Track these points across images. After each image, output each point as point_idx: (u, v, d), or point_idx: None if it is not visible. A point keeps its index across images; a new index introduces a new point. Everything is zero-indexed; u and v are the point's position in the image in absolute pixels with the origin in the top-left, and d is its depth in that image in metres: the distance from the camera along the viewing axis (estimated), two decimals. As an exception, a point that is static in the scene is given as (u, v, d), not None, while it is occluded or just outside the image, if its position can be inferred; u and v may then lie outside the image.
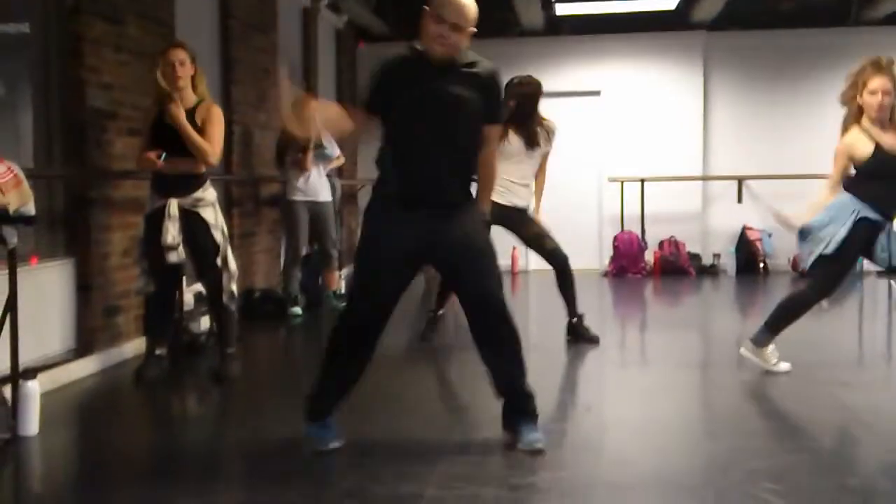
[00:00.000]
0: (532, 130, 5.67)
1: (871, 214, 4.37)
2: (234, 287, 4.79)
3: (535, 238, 5.68)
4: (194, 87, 4.71)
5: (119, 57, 5.09)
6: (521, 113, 5.62)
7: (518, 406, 3.46)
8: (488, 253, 3.42)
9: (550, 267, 5.71)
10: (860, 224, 4.35)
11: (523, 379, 3.47)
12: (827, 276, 4.50)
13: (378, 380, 4.73)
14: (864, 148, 4.37)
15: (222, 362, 4.76)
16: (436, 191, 3.30)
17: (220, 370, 4.73)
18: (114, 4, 5.07)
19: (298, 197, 6.97)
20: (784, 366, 4.66)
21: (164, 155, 4.55)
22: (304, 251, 7.28)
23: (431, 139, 3.28)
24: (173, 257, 4.60)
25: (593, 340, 5.65)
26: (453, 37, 3.22)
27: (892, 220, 4.42)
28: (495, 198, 5.53)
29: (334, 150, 7.15)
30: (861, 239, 4.39)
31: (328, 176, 7.78)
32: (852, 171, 4.50)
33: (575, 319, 5.69)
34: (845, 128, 4.49)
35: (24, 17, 4.71)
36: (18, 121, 4.77)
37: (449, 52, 3.26)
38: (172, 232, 4.56)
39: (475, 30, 3.30)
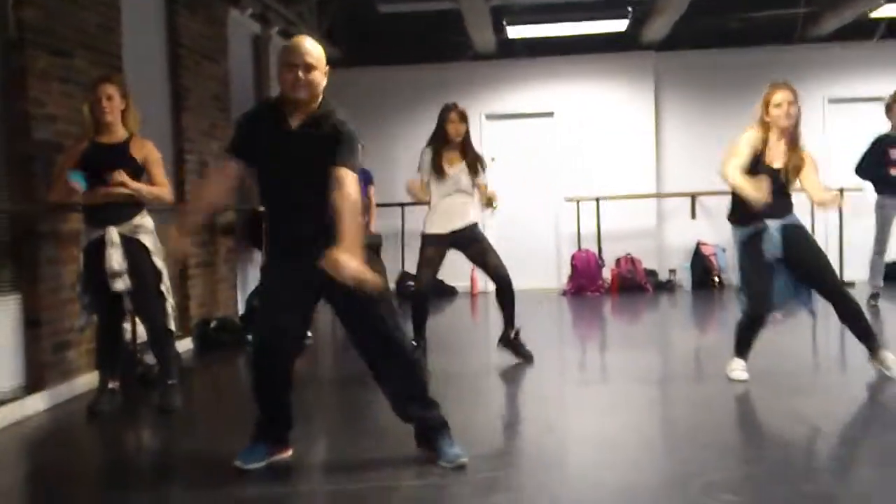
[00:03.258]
0: (470, 154, 5.70)
1: (749, 232, 4.80)
2: (173, 317, 4.74)
3: (479, 255, 5.68)
4: (125, 121, 4.67)
5: (65, 88, 5.04)
6: (465, 139, 5.70)
7: (427, 423, 3.51)
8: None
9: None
10: (743, 246, 4.83)
11: (424, 396, 3.52)
12: (749, 295, 4.84)
13: (341, 402, 4.70)
14: (752, 150, 4.78)
15: (164, 394, 4.70)
16: (301, 241, 3.37)
17: (162, 402, 4.66)
18: (59, 36, 5.02)
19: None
20: (738, 374, 4.83)
21: (83, 182, 4.51)
22: None
23: (288, 193, 3.38)
24: (119, 284, 4.53)
25: (527, 357, 5.66)
26: (308, 77, 3.31)
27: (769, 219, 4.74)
28: (435, 230, 5.61)
29: None
30: (755, 251, 4.76)
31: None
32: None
33: (512, 334, 5.69)
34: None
35: (-35, 49, 4.65)
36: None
37: (310, 93, 3.34)
38: (117, 258, 4.50)
39: (327, 68, 3.40)
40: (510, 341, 5.71)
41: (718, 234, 10.24)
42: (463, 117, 5.66)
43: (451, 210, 5.62)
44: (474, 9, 8.58)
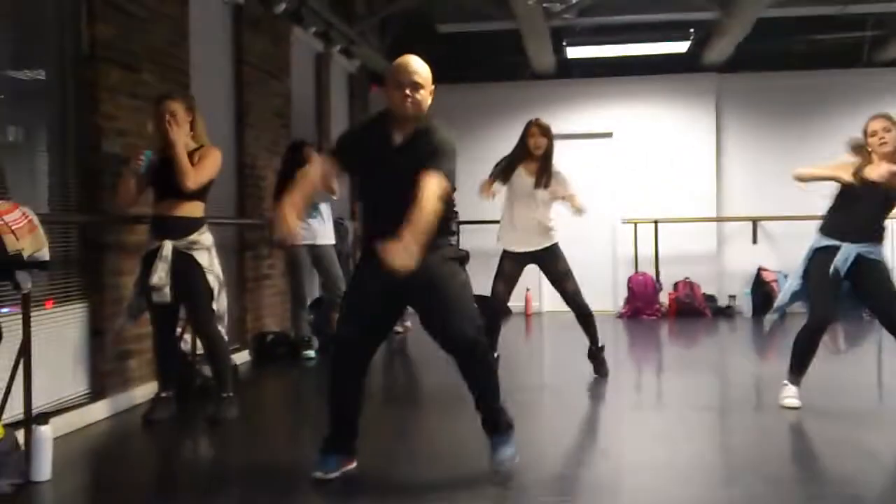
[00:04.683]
0: (547, 170, 5.79)
1: (826, 243, 4.81)
2: (223, 330, 4.79)
3: (558, 278, 5.82)
4: (193, 134, 4.76)
5: (134, 103, 5.15)
6: (545, 154, 5.81)
7: (491, 420, 3.65)
8: (454, 292, 3.53)
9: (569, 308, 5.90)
10: (817, 253, 4.83)
11: (496, 400, 3.67)
12: (810, 308, 4.88)
13: (393, 421, 4.70)
14: (839, 168, 4.85)
15: (218, 406, 4.75)
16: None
17: (215, 414, 4.71)
18: (129, 52, 5.14)
19: (298, 241, 6.99)
20: (790, 402, 4.83)
21: (147, 153, 4.64)
22: (310, 294, 7.27)
23: (387, 203, 3.46)
24: (157, 297, 4.60)
25: (603, 373, 5.84)
26: (416, 95, 3.44)
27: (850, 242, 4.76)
28: (512, 247, 5.80)
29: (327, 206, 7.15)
30: (824, 264, 4.76)
31: (339, 220, 7.81)
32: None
33: (594, 348, 5.90)
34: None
35: (40, 64, 4.78)
36: (34, 166, 4.81)
37: (416, 109, 3.47)
38: (160, 273, 4.57)
39: (433, 87, 3.54)
40: (593, 353, 5.89)
41: (780, 260, 10.08)
42: (544, 132, 5.77)
43: (530, 229, 5.78)
44: (534, 29, 8.59)
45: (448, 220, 3.63)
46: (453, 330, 3.51)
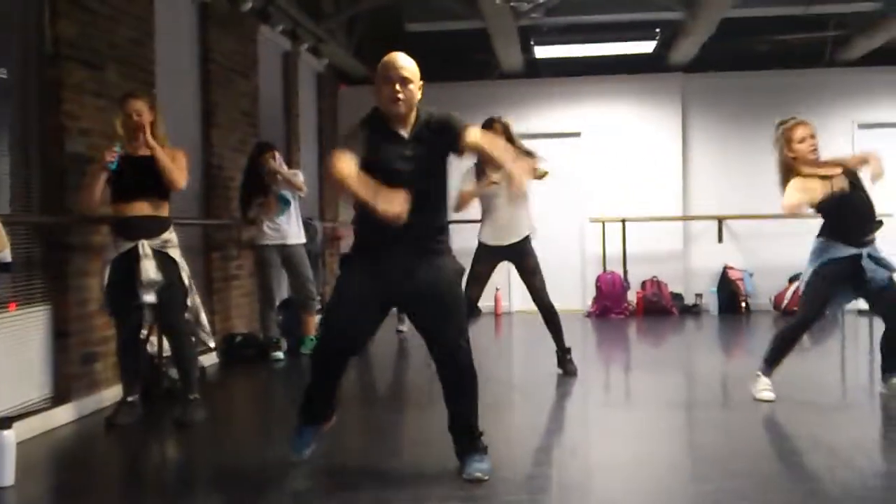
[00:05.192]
0: (520, 150, 5.84)
1: (838, 254, 4.75)
2: (207, 334, 4.80)
3: (527, 273, 5.93)
4: (154, 133, 4.71)
5: (98, 102, 5.08)
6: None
7: (468, 442, 3.65)
8: (452, 303, 3.57)
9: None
10: (826, 266, 4.77)
11: (476, 421, 3.68)
12: (803, 307, 4.93)
13: (367, 420, 4.68)
14: (817, 190, 4.77)
15: (185, 408, 4.70)
16: (398, 243, 3.47)
17: (181, 417, 4.66)
18: (93, 50, 5.07)
19: (267, 241, 6.94)
20: (766, 395, 4.90)
21: (117, 147, 4.58)
22: (279, 294, 7.23)
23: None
24: (149, 297, 4.56)
25: (570, 372, 5.92)
26: (406, 92, 3.48)
27: (864, 247, 4.76)
28: (490, 241, 5.89)
29: (291, 195, 7.05)
30: (833, 277, 4.77)
31: (308, 219, 7.77)
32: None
33: (562, 352, 5.98)
34: (784, 181, 4.89)
35: (1, 63, 4.69)
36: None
37: (407, 106, 3.50)
38: (153, 269, 4.55)
39: (422, 81, 3.56)
40: (560, 357, 5.99)
41: (746, 259, 10.20)
42: (504, 129, 5.83)
43: (506, 224, 5.88)
44: (502, 28, 8.60)
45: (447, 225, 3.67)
46: (445, 338, 3.56)
